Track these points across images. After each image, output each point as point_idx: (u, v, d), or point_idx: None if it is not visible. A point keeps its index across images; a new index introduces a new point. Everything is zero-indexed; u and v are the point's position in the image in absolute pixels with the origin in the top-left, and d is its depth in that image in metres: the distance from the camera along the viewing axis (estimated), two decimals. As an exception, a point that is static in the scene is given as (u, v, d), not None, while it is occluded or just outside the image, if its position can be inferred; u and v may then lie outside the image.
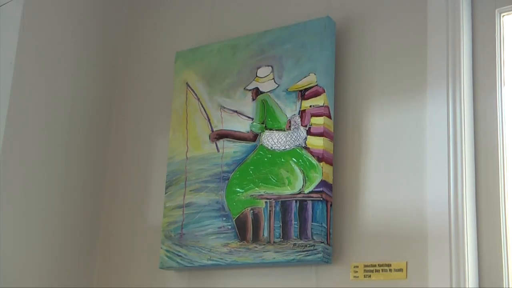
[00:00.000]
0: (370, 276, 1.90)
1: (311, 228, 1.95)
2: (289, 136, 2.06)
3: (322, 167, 1.98)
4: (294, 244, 1.97)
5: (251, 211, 2.07)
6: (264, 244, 2.02)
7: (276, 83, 2.12)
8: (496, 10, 1.95)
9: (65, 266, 2.32)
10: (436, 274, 1.81)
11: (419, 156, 1.92)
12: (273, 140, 2.08)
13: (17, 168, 2.22)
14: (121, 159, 2.46)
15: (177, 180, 2.22)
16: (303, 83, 2.08)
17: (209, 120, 2.23)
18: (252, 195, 2.08)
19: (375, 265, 1.90)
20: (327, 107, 2.03)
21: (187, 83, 2.30)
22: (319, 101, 2.03)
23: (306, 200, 1.98)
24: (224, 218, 2.11)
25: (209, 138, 2.21)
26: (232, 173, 2.13)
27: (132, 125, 2.48)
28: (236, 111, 2.18)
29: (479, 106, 1.92)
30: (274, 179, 2.05)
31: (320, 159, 1.99)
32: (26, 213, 2.23)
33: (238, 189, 2.10)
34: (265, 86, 2.14)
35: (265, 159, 2.08)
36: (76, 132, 2.41)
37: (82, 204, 2.40)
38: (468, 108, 1.92)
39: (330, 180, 1.99)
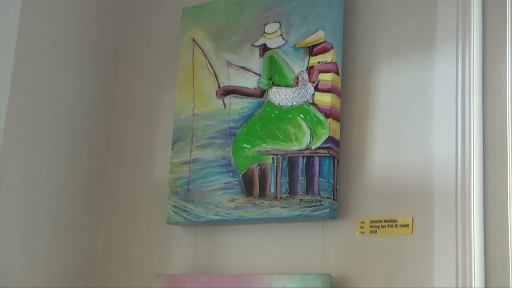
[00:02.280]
0: (376, 231, 1.92)
1: (318, 184, 1.96)
2: (297, 92, 2.05)
3: (329, 123, 1.98)
4: (301, 200, 1.98)
5: (258, 167, 2.07)
6: (270, 200, 2.03)
7: (284, 40, 2.11)
8: (508, -35, 1.94)
9: (71, 223, 2.33)
10: (442, 230, 1.82)
11: (427, 113, 1.92)
12: (281, 96, 2.08)
13: (21, 121, 2.22)
14: (128, 116, 2.46)
15: (184, 137, 2.23)
16: (311, 39, 2.07)
17: (216, 76, 2.22)
18: (259, 151, 2.08)
19: (381, 221, 1.91)
20: (335, 63, 2.02)
21: (193, 40, 2.29)
22: (327, 57, 2.03)
23: (313, 156, 1.99)
24: (231, 174, 2.11)
25: (216, 95, 2.20)
26: (239, 129, 2.13)
27: (138, 83, 2.48)
28: (243, 67, 2.17)
29: (489, 64, 1.91)
30: (281, 135, 2.05)
31: (327, 115, 1.99)
32: (30, 166, 2.24)
33: (245, 145, 2.10)
34: (273, 42, 2.13)
35: (272, 115, 2.08)
36: (82, 89, 2.40)
37: (88, 161, 2.41)
38: (477, 67, 1.91)
39: (337, 136, 2.00)
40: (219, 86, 2.20)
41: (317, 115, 2.00)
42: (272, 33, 2.14)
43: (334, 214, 1.96)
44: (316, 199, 1.95)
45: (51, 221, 2.27)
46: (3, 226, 2.13)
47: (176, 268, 2.22)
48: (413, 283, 1.85)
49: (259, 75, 2.14)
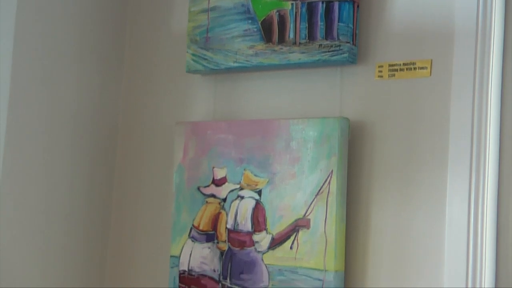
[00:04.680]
0: (394, 75, 1.93)
1: (337, 29, 1.96)
2: None
3: (349, -33, 1.96)
4: (320, 45, 1.98)
5: (277, 13, 2.06)
6: (290, 46, 2.03)
7: None
8: None
9: (93, 78, 2.36)
10: (460, 72, 1.83)
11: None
12: None
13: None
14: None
15: (202, -16, 2.21)
16: None
17: None
18: (278, -3, 2.07)
19: (399, 64, 1.92)
20: None
21: None
22: None
23: (332, 1, 1.97)
24: (250, 21, 2.11)
25: None
26: (258, -25, 2.11)
27: None
28: None
29: None
30: (300, -20, 2.04)
31: (347, -41, 1.96)
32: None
33: (264, -9, 2.09)
34: None
35: (292, -41, 2.05)
36: None
37: (108, 13, 2.40)
38: None
39: (357, -19, 1.98)
40: None
41: (337, -41, 1.97)
42: None
43: (353, 58, 1.96)
44: (335, 44, 1.96)
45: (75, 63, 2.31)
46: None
47: (196, 116, 2.26)
48: (429, 125, 1.88)
49: None
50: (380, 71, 1.95)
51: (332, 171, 1.93)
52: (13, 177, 2.17)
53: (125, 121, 2.42)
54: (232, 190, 2.10)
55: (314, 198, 1.95)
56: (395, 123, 1.93)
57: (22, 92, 2.18)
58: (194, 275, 2.14)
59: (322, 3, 1.99)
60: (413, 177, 1.90)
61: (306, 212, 1.96)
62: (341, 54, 1.95)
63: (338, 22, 1.96)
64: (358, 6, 1.97)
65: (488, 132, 1.80)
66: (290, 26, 2.04)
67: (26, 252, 2.22)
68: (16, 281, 2.19)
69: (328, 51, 1.97)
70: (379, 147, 1.95)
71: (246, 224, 2.06)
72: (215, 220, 2.12)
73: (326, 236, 1.92)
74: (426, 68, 1.88)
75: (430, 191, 1.87)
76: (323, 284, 1.92)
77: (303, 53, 2.01)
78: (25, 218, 2.21)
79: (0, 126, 2.14)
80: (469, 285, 1.79)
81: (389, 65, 1.93)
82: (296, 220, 1.98)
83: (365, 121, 1.97)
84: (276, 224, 2.01)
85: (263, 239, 2.03)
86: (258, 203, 2.04)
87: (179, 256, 2.17)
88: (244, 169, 2.08)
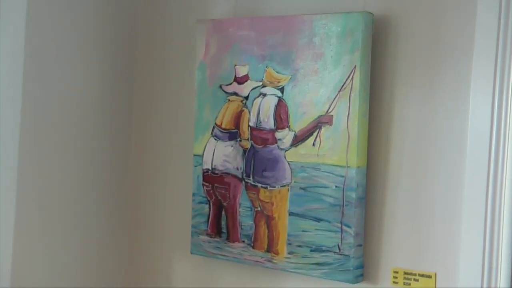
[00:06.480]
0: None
1: None
2: None
3: None
4: None
5: None
6: None
7: None
8: None
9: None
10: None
11: None
12: None
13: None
14: None
15: None
16: None
17: None
18: None
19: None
20: None
21: None
22: None
23: None
24: None
25: None
26: None
27: None
28: None
29: None
30: None
31: None
32: None
33: None
34: None
35: None
36: None
37: None
38: None
39: None
40: None
41: None
42: None
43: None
44: None
45: None
46: None
47: (218, 13, 2.24)
48: (455, 19, 1.85)
49: None
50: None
51: (355, 66, 1.91)
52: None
53: (145, 20, 2.40)
54: (254, 88, 2.09)
55: (337, 94, 1.94)
56: (420, 17, 1.89)
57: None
58: (217, 173, 2.17)
59: None
60: (437, 71, 1.88)
61: (328, 109, 1.96)
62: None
63: None
64: None
65: (515, 24, 1.77)
66: None
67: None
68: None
69: None
70: (403, 41, 1.92)
71: (268, 122, 2.06)
72: (237, 118, 2.13)
73: (348, 132, 1.92)
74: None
75: (453, 86, 1.86)
76: (345, 180, 1.93)
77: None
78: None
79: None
80: (491, 171, 1.80)
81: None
82: (318, 117, 1.98)
83: (390, 15, 1.93)
84: (299, 121, 2.01)
85: (285, 136, 2.03)
86: (280, 100, 2.04)
87: (202, 155, 2.19)
88: (266, 66, 2.06)
